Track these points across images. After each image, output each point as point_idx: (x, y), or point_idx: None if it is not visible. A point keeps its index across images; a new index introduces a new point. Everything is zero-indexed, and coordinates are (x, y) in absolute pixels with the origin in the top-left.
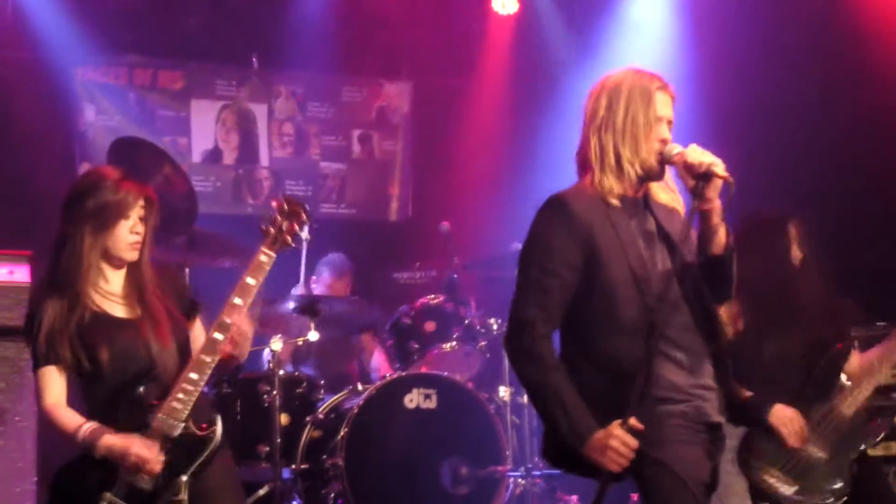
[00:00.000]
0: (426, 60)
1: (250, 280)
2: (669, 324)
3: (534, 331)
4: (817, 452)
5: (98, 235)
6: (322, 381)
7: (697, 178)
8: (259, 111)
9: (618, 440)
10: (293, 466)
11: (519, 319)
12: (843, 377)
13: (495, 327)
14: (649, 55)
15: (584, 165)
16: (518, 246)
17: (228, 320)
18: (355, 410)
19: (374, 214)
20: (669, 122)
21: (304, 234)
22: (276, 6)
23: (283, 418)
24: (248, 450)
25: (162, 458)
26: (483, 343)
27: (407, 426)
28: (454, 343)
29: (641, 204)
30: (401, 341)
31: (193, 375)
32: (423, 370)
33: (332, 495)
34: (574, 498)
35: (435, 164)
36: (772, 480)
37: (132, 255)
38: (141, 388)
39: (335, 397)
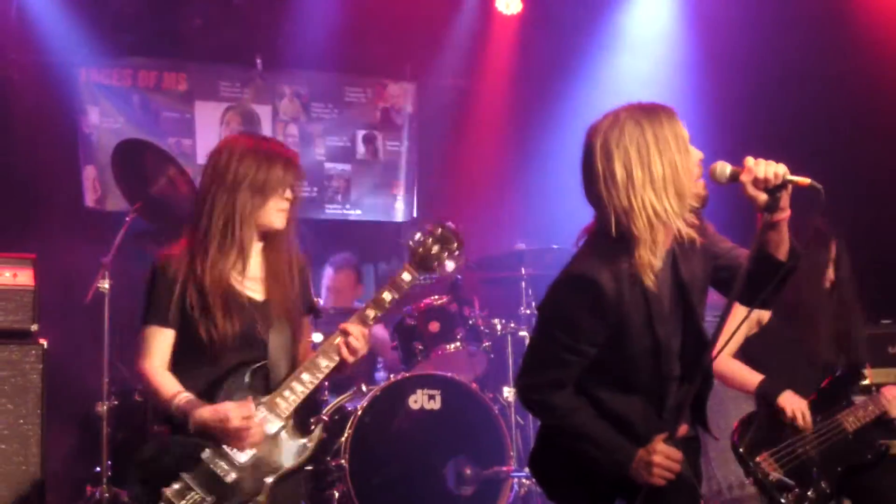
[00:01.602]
0: (430, 61)
1: (387, 295)
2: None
3: (549, 391)
4: (811, 452)
5: (251, 204)
6: (326, 382)
7: (771, 191)
8: (263, 112)
9: (661, 455)
10: None
11: (530, 383)
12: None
13: (499, 328)
14: (651, 54)
15: (619, 235)
16: (521, 246)
17: (354, 328)
18: (359, 412)
19: (379, 215)
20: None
21: (451, 265)
22: (279, 7)
23: None
24: None
25: (257, 440)
26: (487, 343)
27: (411, 427)
28: (458, 344)
29: (672, 251)
30: (405, 342)
31: (306, 376)
32: (428, 371)
33: (337, 496)
34: None
35: (439, 165)
36: (765, 464)
37: (281, 223)
38: (247, 376)
39: (339, 398)
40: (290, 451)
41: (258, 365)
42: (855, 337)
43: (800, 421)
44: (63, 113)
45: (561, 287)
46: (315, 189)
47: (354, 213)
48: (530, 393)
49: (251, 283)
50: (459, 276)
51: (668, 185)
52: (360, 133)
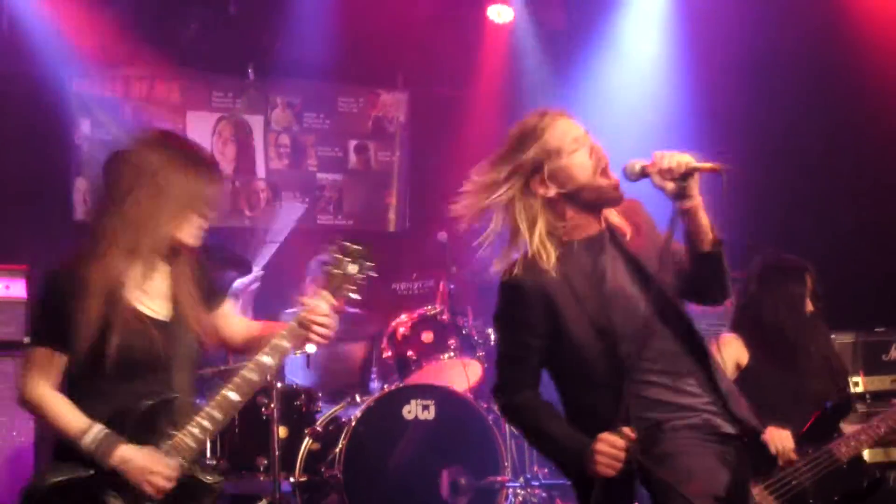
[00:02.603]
0: (422, 70)
1: (274, 353)
2: (647, 355)
3: (511, 389)
4: (805, 483)
5: (173, 217)
6: (320, 393)
7: (678, 180)
8: (255, 122)
9: (603, 442)
10: (292, 479)
11: (496, 386)
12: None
13: (493, 337)
14: (643, 61)
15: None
16: (515, 255)
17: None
18: (353, 422)
19: (371, 225)
20: (587, 136)
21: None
22: (272, 17)
23: (282, 430)
24: (246, 462)
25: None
26: (481, 353)
27: (406, 437)
28: (452, 353)
29: (606, 237)
30: (398, 352)
31: (217, 415)
32: (422, 381)
33: None
34: None
35: (432, 174)
36: (759, 497)
37: (196, 241)
38: (150, 403)
39: (333, 409)
40: (196, 494)
41: (162, 399)
42: (838, 367)
43: (782, 457)
44: (54, 124)
45: (497, 299)
46: (307, 199)
47: (347, 224)
48: (497, 396)
49: (154, 301)
50: (452, 286)
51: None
52: (353, 143)
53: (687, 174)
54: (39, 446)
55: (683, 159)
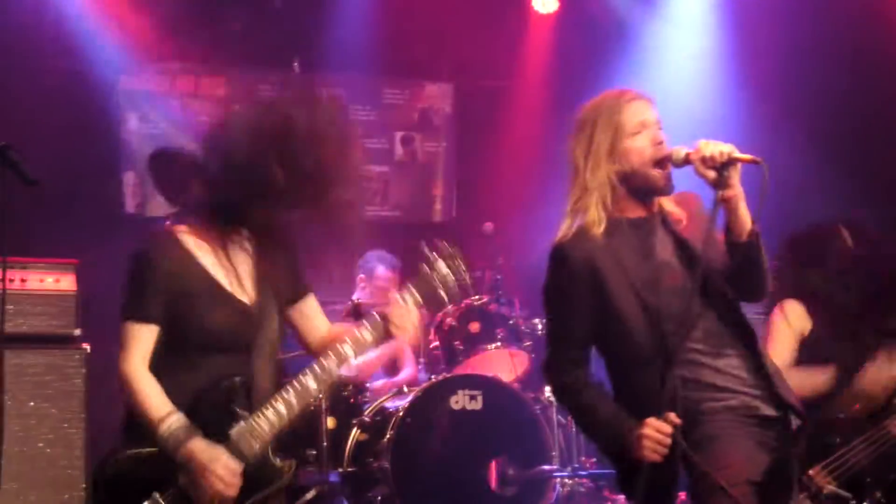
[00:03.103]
0: (467, 61)
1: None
2: (692, 335)
3: (560, 368)
4: (863, 462)
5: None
6: (367, 384)
7: (719, 169)
8: None
9: (650, 427)
10: (340, 470)
11: (545, 364)
12: None
13: (540, 327)
14: (689, 49)
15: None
16: None
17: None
18: (401, 412)
19: (417, 216)
20: (657, 125)
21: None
22: (316, 10)
23: (330, 422)
24: (295, 453)
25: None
26: (528, 343)
27: (453, 428)
28: (499, 344)
29: (657, 220)
30: (446, 342)
31: (294, 401)
32: (468, 371)
33: (379, 498)
34: (621, 497)
35: (478, 165)
36: (818, 478)
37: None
38: (228, 384)
39: (380, 399)
40: (266, 477)
41: (241, 381)
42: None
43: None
44: (102, 120)
45: (546, 268)
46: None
47: (393, 215)
48: (546, 376)
49: (242, 282)
50: (499, 276)
51: (604, 154)
52: (399, 134)
53: (728, 164)
54: (89, 437)
55: (725, 149)
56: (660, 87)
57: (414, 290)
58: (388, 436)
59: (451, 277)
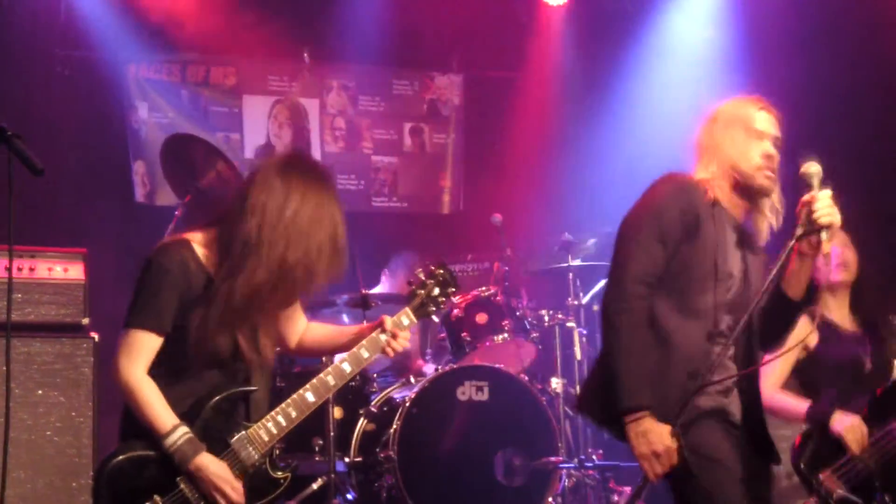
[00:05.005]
0: (476, 52)
1: (382, 336)
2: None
3: (635, 287)
4: (871, 465)
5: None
6: (374, 374)
7: (819, 228)
8: (311, 106)
9: (667, 450)
10: (347, 459)
11: (622, 277)
12: None
13: (547, 319)
14: (700, 42)
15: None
16: (569, 237)
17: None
18: (407, 403)
19: (425, 207)
20: (776, 140)
21: (442, 308)
22: (326, 1)
23: (337, 411)
24: (302, 443)
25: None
26: (535, 334)
27: (459, 418)
28: (506, 335)
29: (741, 219)
30: (453, 333)
31: (293, 413)
32: (475, 362)
33: (386, 488)
34: (627, 489)
35: (486, 157)
36: (828, 482)
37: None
38: (227, 393)
39: (387, 389)
40: (264, 487)
41: (241, 391)
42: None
43: (856, 447)
44: (112, 109)
45: (655, 183)
46: (362, 182)
47: (401, 206)
48: (619, 288)
49: None
50: (507, 268)
51: (732, 149)
52: (407, 125)
53: (822, 228)
54: (97, 425)
55: (837, 219)
56: (668, 78)
57: (410, 313)
58: (394, 426)
59: (441, 300)
